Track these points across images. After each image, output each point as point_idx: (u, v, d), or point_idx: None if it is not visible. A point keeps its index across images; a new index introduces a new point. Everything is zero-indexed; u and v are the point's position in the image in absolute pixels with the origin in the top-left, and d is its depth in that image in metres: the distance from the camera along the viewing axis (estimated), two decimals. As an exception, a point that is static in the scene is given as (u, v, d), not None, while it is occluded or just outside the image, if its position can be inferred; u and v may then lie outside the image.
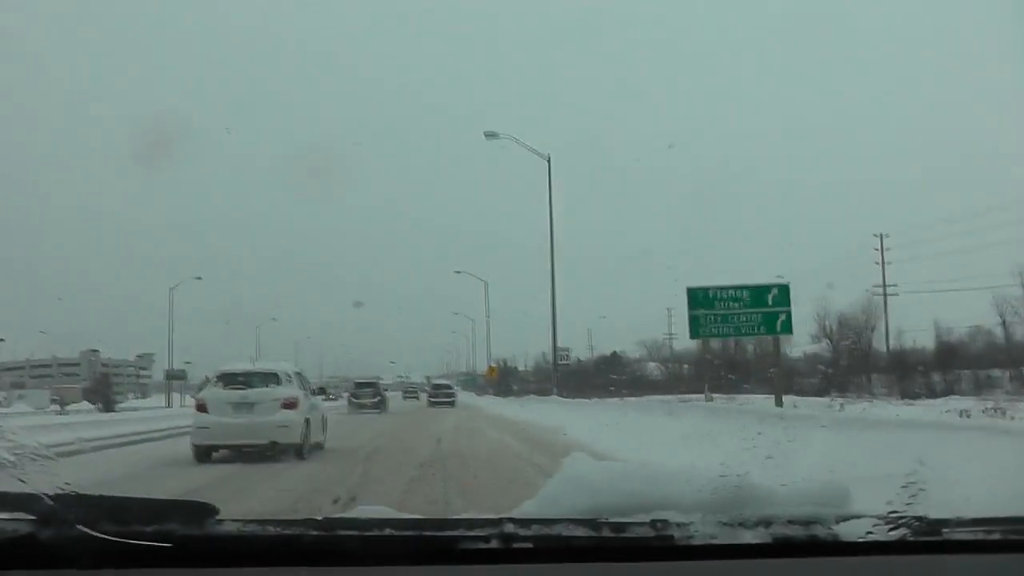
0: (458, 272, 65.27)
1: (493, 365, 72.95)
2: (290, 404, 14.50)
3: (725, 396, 38.84)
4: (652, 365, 79.04)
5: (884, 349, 54.79)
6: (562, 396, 38.35)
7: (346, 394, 47.96)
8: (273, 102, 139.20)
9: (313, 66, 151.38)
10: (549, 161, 37.28)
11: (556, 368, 44.24)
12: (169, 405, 59.64)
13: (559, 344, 42.17)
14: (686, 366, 70.77)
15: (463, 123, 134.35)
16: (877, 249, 55.82)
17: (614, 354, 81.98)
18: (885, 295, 55.29)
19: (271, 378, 15.10)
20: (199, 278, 61.79)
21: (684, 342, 74.75)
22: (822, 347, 57.21)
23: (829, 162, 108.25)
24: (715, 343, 64.65)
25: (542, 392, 53.96)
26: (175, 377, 71.23)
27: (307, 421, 14.79)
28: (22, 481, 1.68)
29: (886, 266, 55.58)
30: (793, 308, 21.51)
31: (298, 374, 16.22)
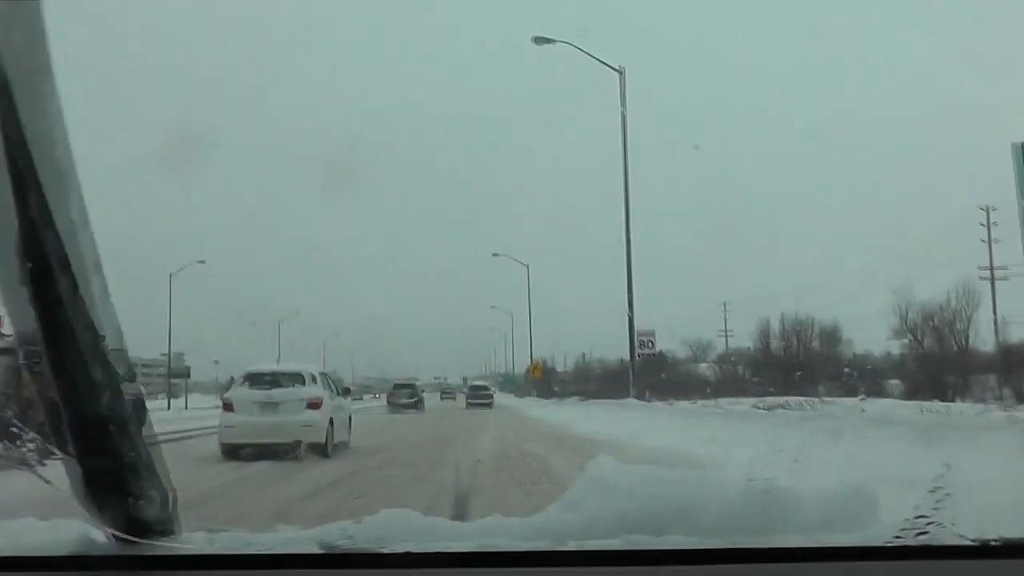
0: (496, 255, 56.82)
1: (536, 363, 62.73)
2: (314, 404, 14.61)
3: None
4: (704, 366, 70.25)
5: (976, 344, 43.93)
6: (642, 399, 28.03)
7: (382, 395, 48.99)
8: (301, 98, 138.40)
9: (339, 62, 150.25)
10: (623, 73, 28.75)
11: (635, 360, 29.49)
12: (169, 407, 50.05)
13: (642, 328, 30.02)
14: (739, 367, 61.96)
15: (491, 121, 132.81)
16: (984, 224, 44.54)
17: (661, 353, 73.29)
18: (993, 279, 44.16)
19: (296, 378, 15.23)
20: (202, 262, 57.40)
21: (737, 341, 67.23)
22: (902, 344, 47.89)
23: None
24: (775, 339, 56.19)
25: (586, 394, 46.70)
26: (178, 375, 62.64)
27: (331, 421, 14.86)
28: (48, 482, 1.67)
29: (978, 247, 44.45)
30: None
31: (323, 374, 16.41)
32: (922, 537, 1.68)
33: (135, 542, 1.58)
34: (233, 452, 14.42)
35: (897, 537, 1.68)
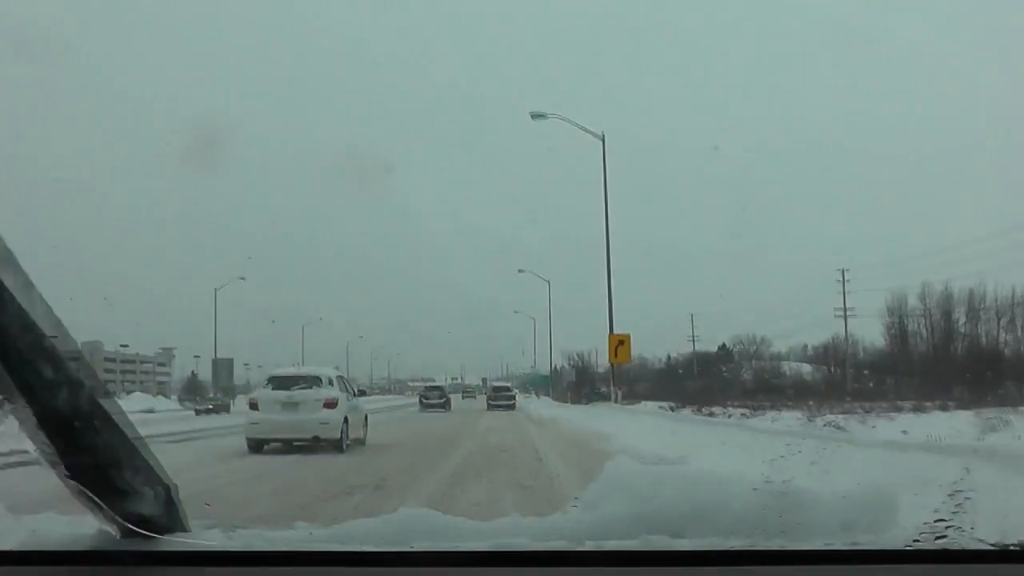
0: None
1: (622, 336, 29.16)
2: (330, 404, 15.00)
3: None
4: (795, 365, 53.28)
5: None
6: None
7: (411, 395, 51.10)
8: (322, 102, 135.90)
9: (362, 66, 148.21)
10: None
11: None
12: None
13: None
14: (836, 369, 44.81)
15: (511, 121, 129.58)
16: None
17: (723, 348, 59.31)
18: None
19: (315, 381, 15.67)
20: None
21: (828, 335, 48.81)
22: None
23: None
24: (917, 334, 36.58)
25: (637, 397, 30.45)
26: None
27: (346, 419, 15.20)
28: (66, 479, 1.59)
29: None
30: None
31: (340, 377, 16.90)
32: (940, 541, 1.58)
33: (152, 538, 1.50)
34: (258, 447, 14.82)
35: (916, 541, 1.58)
